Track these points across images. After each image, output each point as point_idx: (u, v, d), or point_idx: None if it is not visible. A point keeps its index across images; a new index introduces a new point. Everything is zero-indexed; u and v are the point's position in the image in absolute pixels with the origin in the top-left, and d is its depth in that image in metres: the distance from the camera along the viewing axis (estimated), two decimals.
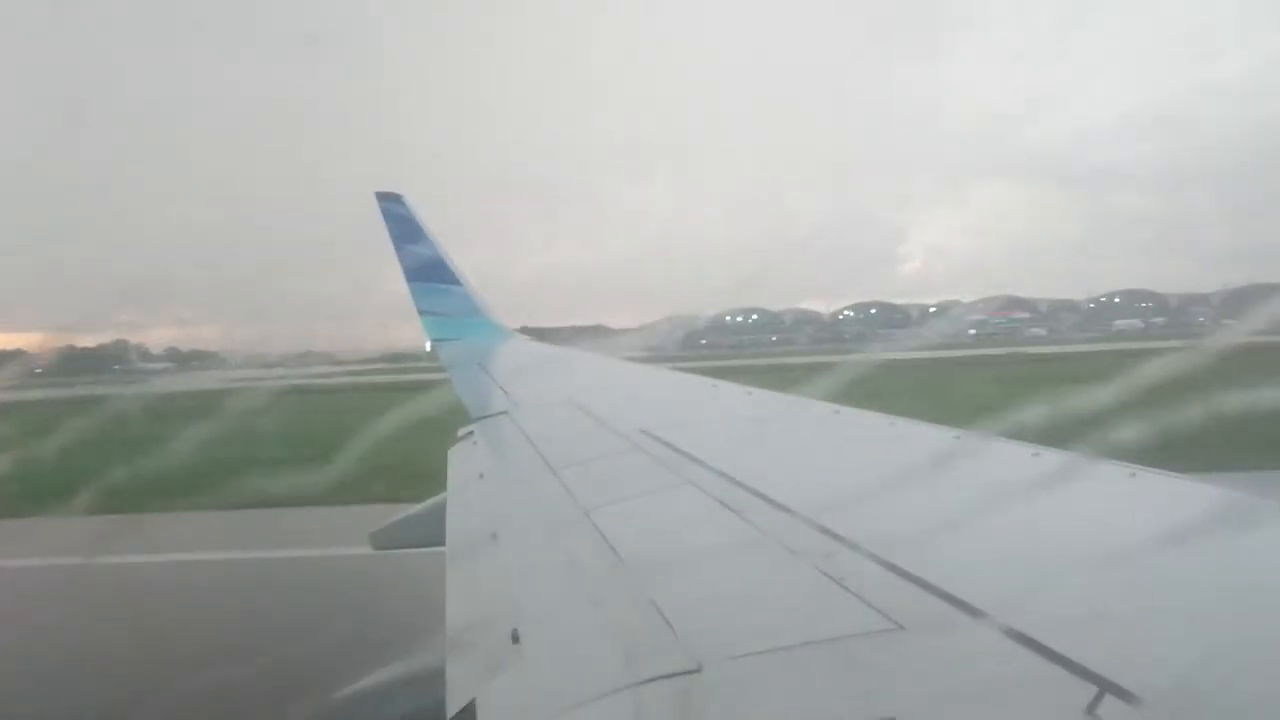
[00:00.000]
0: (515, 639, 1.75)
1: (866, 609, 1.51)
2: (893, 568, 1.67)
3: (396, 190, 9.07)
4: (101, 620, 9.02)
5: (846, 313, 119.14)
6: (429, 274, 8.65)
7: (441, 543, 2.87)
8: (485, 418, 4.87)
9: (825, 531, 1.93)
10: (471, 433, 4.58)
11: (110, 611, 9.30)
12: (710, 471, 2.66)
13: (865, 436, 3.31)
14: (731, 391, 4.85)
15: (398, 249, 8.59)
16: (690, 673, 1.38)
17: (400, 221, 8.72)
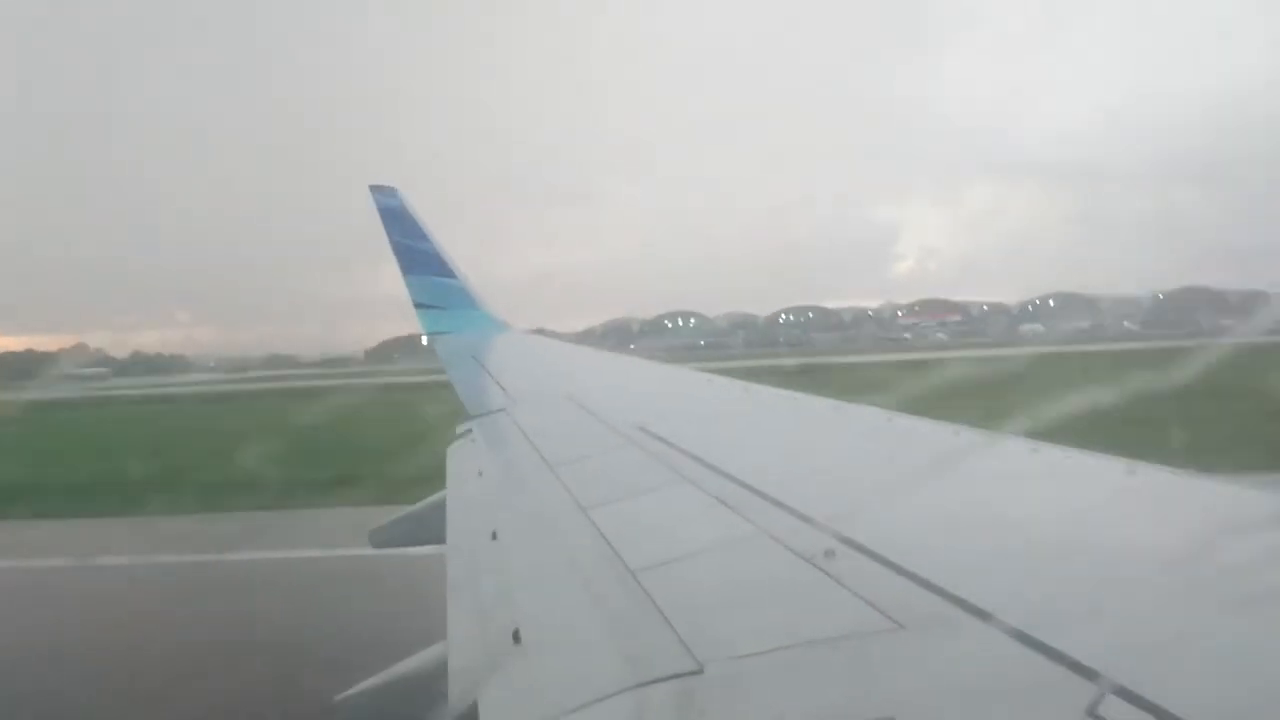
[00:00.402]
0: (517, 639, 1.76)
1: (866, 607, 1.52)
2: (893, 565, 1.67)
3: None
4: None
5: (787, 316, 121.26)
6: (424, 266, 8.58)
7: (441, 541, 2.86)
8: (483, 415, 4.89)
9: (823, 528, 1.95)
10: (470, 430, 4.61)
11: None
12: (707, 468, 2.68)
13: (863, 431, 3.34)
14: (727, 386, 4.89)
15: (392, 242, 8.52)
16: (692, 673, 1.39)
17: (395, 215, 8.65)
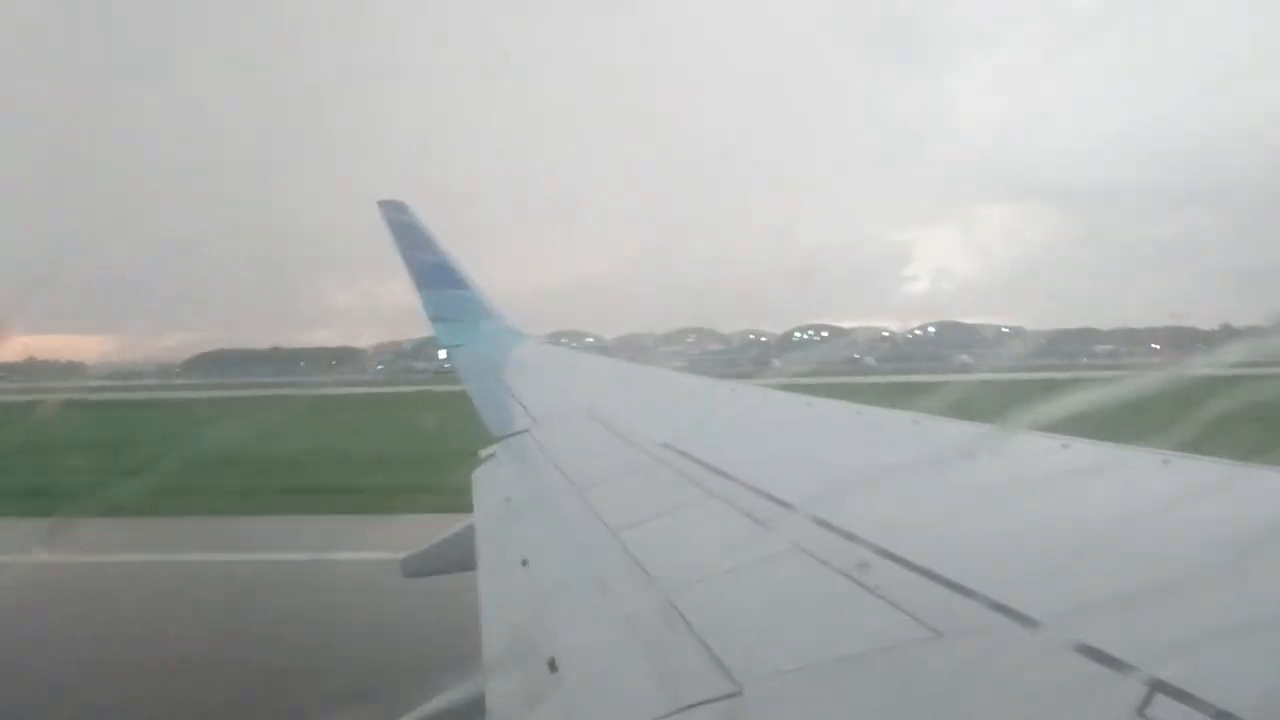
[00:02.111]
0: (553, 667, 1.79)
1: (904, 617, 1.53)
2: (930, 574, 1.68)
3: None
4: None
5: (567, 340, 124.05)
6: (437, 280, 8.68)
7: (473, 567, 2.92)
8: (507, 436, 4.98)
9: (856, 539, 1.97)
10: (494, 454, 4.69)
11: None
12: (734, 483, 2.70)
13: (893, 436, 3.35)
14: (750, 395, 4.96)
15: (404, 257, 8.62)
16: (732, 695, 1.41)
17: (404, 229, 8.76)
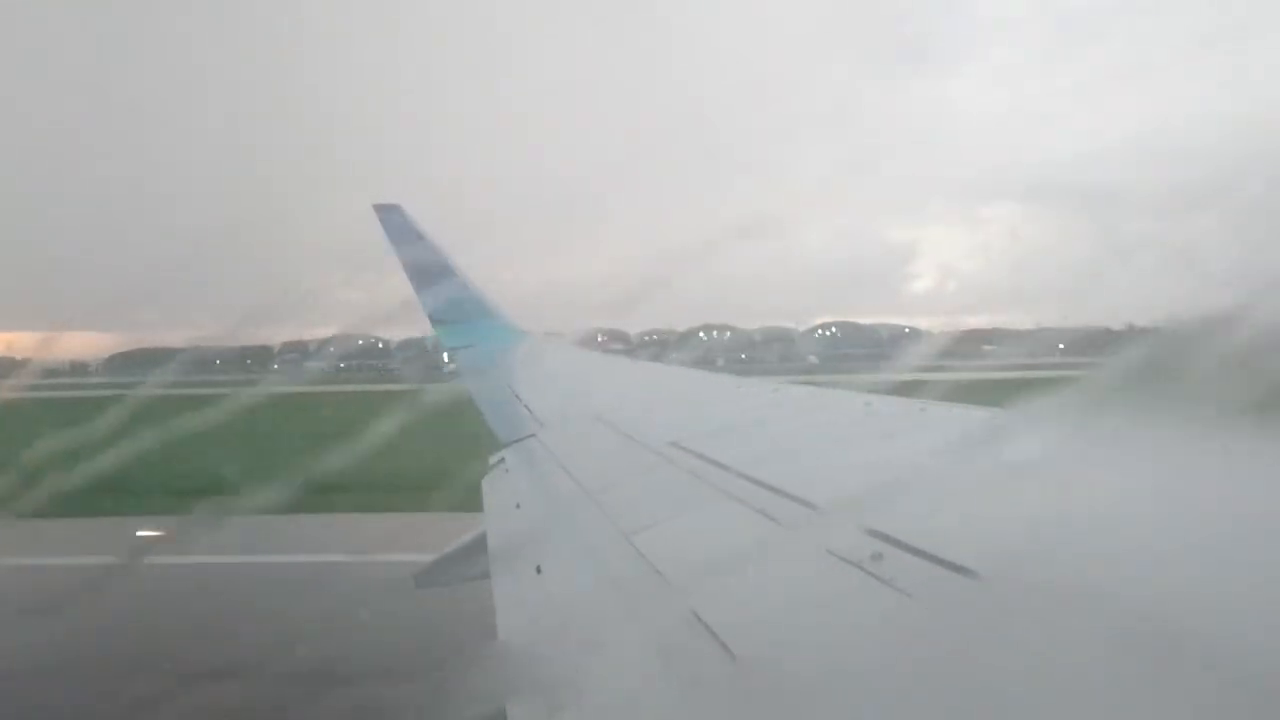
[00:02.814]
0: (572, 675, 1.84)
1: (916, 604, 1.55)
2: (942, 561, 1.69)
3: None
4: None
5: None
6: (435, 281, 8.72)
7: (487, 576, 2.96)
8: (514, 442, 5.03)
9: (869, 530, 1.97)
10: (503, 460, 4.74)
11: None
12: (742, 479, 2.73)
13: (902, 423, 3.36)
14: (755, 388, 5.00)
15: (401, 259, 8.65)
16: (749, 695, 1.44)
17: (400, 231, 8.79)
